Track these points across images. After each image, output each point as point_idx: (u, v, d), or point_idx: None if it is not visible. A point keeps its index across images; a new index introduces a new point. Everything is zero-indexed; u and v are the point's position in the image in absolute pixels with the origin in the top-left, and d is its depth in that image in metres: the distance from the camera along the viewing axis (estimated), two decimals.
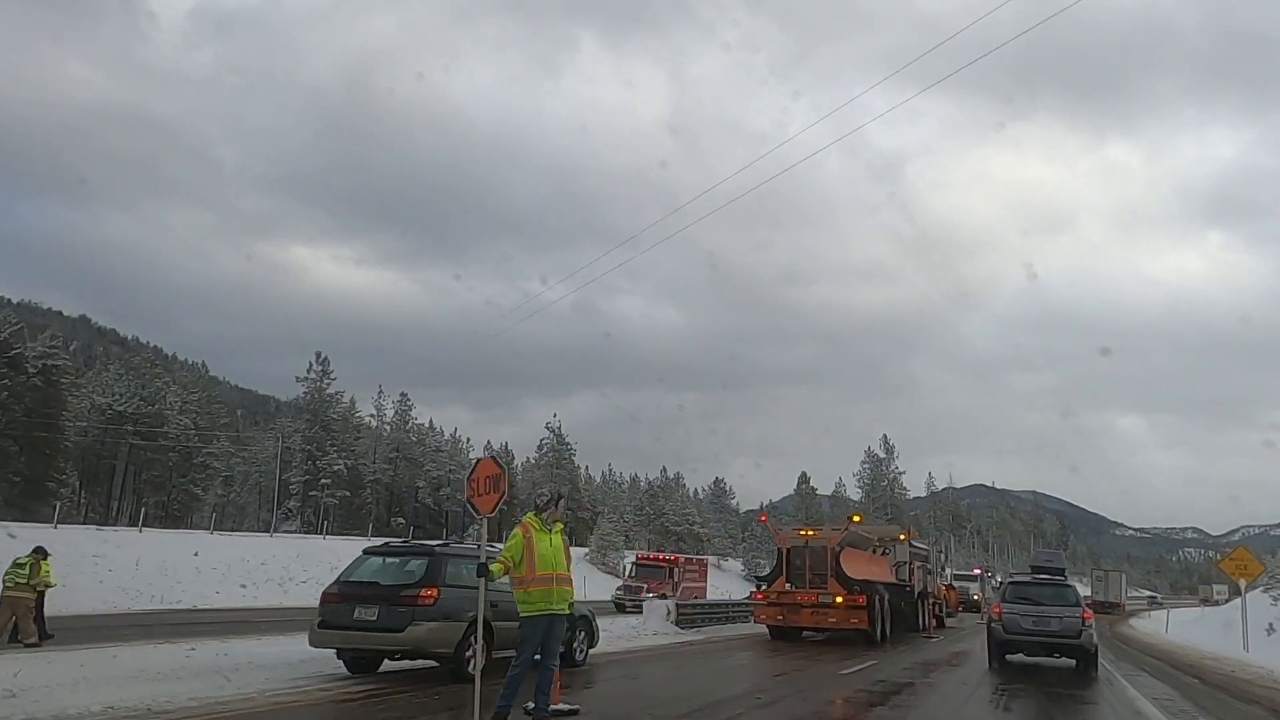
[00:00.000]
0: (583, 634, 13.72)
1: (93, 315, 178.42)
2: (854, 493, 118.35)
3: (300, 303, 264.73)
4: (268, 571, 40.05)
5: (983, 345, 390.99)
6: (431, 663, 11.38)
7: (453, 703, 9.51)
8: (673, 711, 9.92)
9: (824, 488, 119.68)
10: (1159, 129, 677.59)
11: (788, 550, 22.60)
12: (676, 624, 23.46)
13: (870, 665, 16.16)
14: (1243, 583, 27.18)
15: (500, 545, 8.58)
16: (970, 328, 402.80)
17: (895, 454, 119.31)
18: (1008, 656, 16.86)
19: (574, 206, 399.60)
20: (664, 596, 33.46)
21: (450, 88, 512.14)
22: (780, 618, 22.11)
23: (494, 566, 7.76)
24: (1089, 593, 65.57)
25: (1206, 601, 69.75)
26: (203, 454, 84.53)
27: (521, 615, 7.83)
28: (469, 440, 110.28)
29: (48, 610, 17.35)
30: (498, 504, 8.12)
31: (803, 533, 23.34)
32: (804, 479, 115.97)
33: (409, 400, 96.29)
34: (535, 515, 8.01)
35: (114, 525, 59.21)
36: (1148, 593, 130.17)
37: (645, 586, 39.31)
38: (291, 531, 69.80)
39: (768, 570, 26.16)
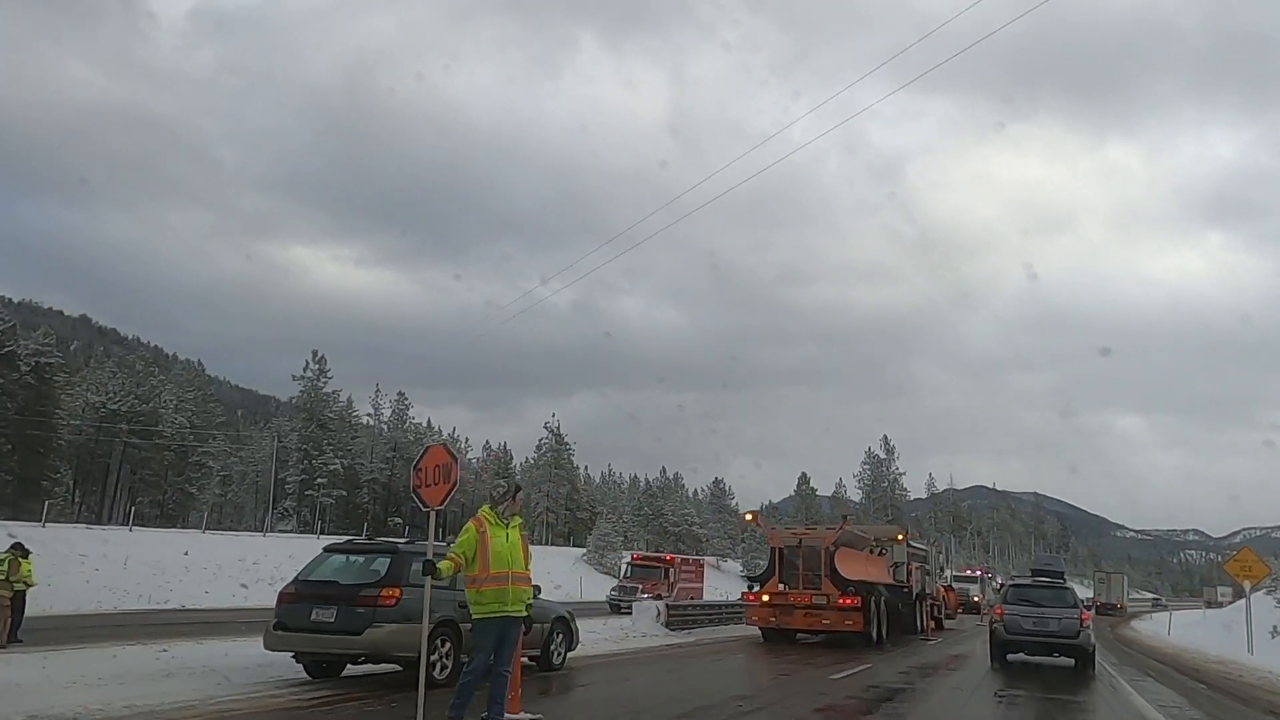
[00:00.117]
0: (561, 636, 13.11)
1: (93, 315, 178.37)
2: (854, 494, 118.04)
3: (300, 303, 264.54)
4: (260, 571, 39.45)
5: (983, 345, 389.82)
6: (396, 667, 10.76)
7: (409, 711, 8.85)
8: None
9: (824, 489, 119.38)
10: (1159, 129, 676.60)
11: (781, 550, 21.98)
12: (667, 626, 22.83)
13: (864, 669, 15.53)
14: (1247, 585, 26.64)
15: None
16: (970, 328, 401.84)
17: (896, 455, 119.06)
18: (1009, 656, 17.28)
19: (574, 206, 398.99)
20: (659, 597, 32.84)
21: (450, 88, 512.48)
22: (773, 619, 21.49)
23: (443, 564, 7.10)
24: (1091, 594, 65.11)
25: (1211, 604, 69.02)
26: (198, 453, 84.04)
27: (474, 617, 7.20)
28: (467, 440, 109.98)
29: (30, 610, 16.87)
30: (447, 496, 7.51)
31: (796, 532, 22.73)
32: (804, 480, 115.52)
33: (406, 399, 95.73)
34: (490, 509, 7.37)
35: (108, 524, 58.76)
36: (1150, 595, 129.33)
37: (640, 587, 38.71)
38: (287, 531, 69.30)
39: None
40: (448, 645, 10.34)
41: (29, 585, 16.57)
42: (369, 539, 13.06)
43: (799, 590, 21.17)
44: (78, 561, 35.41)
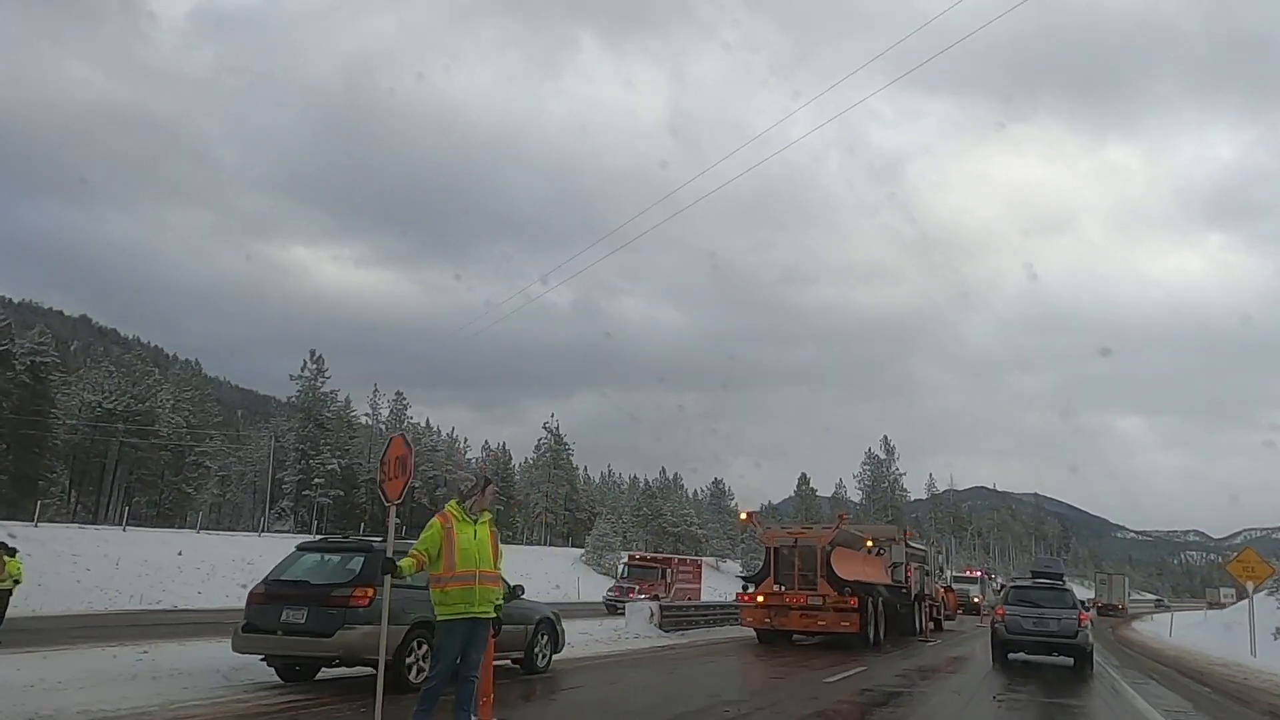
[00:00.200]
0: (545, 637, 12.71)
1: (93, 315, 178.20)
2: (854, 494, 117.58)
3: (300, 303, 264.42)
4: (255, 571, 38.83)
5: (983, 346, 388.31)
6: (371, 670, 10.35)
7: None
8: None
9: (824, 489, 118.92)
10: (1159, 129, 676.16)
11: (775, 550, 21.60)
12: (660, 627, 22.41)
13: (859, 672, 15.11)
14: (1250, 585, 26.25)
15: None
16: (970, 328, 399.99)
17: (896, 455, 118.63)
18: (1009, 655, 17.80)
19: (574, 206, 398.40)
20: (656, 598, 32.44)
21: (450, 88, 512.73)
22: (768, 620, 21.07)
23: (404, 562, 6.67)
24: (1092, 595, 64.77)
25: (1214, 605, 68.68)
26: (195, 453, 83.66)
27: (438, 619, 6.79)
28: (466, 440, 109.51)
29: (16, 610, 16.58)
30: (404, 489, 7.10)
31: (791, 531, 22.34)
32: (804, 480, 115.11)
33: (404, 399, 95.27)
34: (458, 504, 6.95)
35: (105, 524, 58.36)
36: (1151, 596, 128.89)
37: (637, 587, 38.30)
38: (283, 531, 68.84)
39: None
40: (424, 648, 9.91)
41: (16, 583, 16.34)
42: (344, 537, 12.65)
43: (794, 591, 20.78)
44: (69, 561, 35.10)
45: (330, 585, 9.97)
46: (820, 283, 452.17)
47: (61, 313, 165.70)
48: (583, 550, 75.10)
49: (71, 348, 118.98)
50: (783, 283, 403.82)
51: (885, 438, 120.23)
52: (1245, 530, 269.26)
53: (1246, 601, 27.41)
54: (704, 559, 71.38)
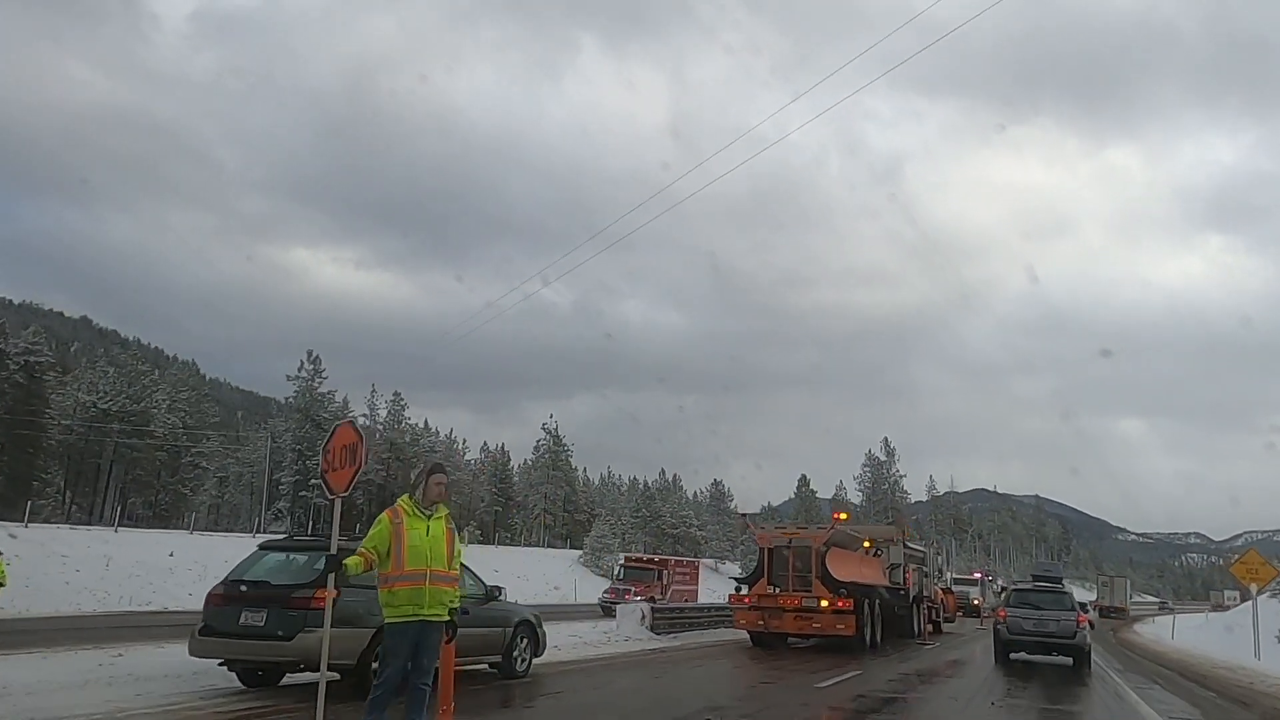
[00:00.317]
0: (525, 641, 12.21)
1: (94, 317, 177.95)
2: (855, 496, 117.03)
3: (301, 305, 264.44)
4: None
5: (983, 348, 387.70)
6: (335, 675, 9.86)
7: None
8: None
9: (824, 491, 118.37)
10: (1159, 133, 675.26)
11: (770, 550, 21.10)
12: (652, 629, 21.85)
13: (853, 676, 14.61)
14: (1254, 587, 25.85)
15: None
16: (971, 331, 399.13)
17: (896, 457, 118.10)
18: (1011, 655, 18.51)
19: (574, 209, 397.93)
20: (653, 600, 31.92)
21: (451, 90, 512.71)
22: (761, 623, 20.56)
23: (350, 560, 6.16)
24: (1094, 597, 64.38)
25: (1218, 607, 68.19)
26: (191, 453, 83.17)
27: (386, 621, 6.29)
28: (465, 441, 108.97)
29: (6, 612, 16.19)
30: (352, 480, 6.59)
31: (786, 531, 21.83)
32: (804, 482, 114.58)
33: (402, 400, 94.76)
34: (409, 498, 6.47)
35: (100, 524, 57.89)
36: (1152, 598, 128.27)
37: (633, 589, 37.76)
38: (279, 532, 68.37)
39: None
40: None
41: (1, 585, 16.00)
42: (312, 535, 12.15)
43: (789, 592, 20.28)
44: (59, 562, 34.66)
45: (291, 586, 9.45)
46: (820, 285, 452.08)
47: (62, 314, 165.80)
48: (581, 552, 74.60)
49: (72, 349, 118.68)
50: (783, 285, 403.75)
51: (885, 439, 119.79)
52: (1246, 532, 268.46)
53: (1250, 604, 26.98)
54: (703, 561, 70.85)
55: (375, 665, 9.12)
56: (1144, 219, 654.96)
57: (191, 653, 9.65)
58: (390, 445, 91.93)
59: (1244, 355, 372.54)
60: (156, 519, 73.97)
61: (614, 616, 27.64)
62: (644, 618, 22.14)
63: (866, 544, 24.30)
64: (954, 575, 51.33)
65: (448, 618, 6.36)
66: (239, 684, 10.05)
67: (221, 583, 10.09)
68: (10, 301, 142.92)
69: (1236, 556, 29.18)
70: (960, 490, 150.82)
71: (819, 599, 19.70)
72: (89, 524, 57.67)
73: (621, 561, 47.92)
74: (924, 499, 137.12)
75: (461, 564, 11.93)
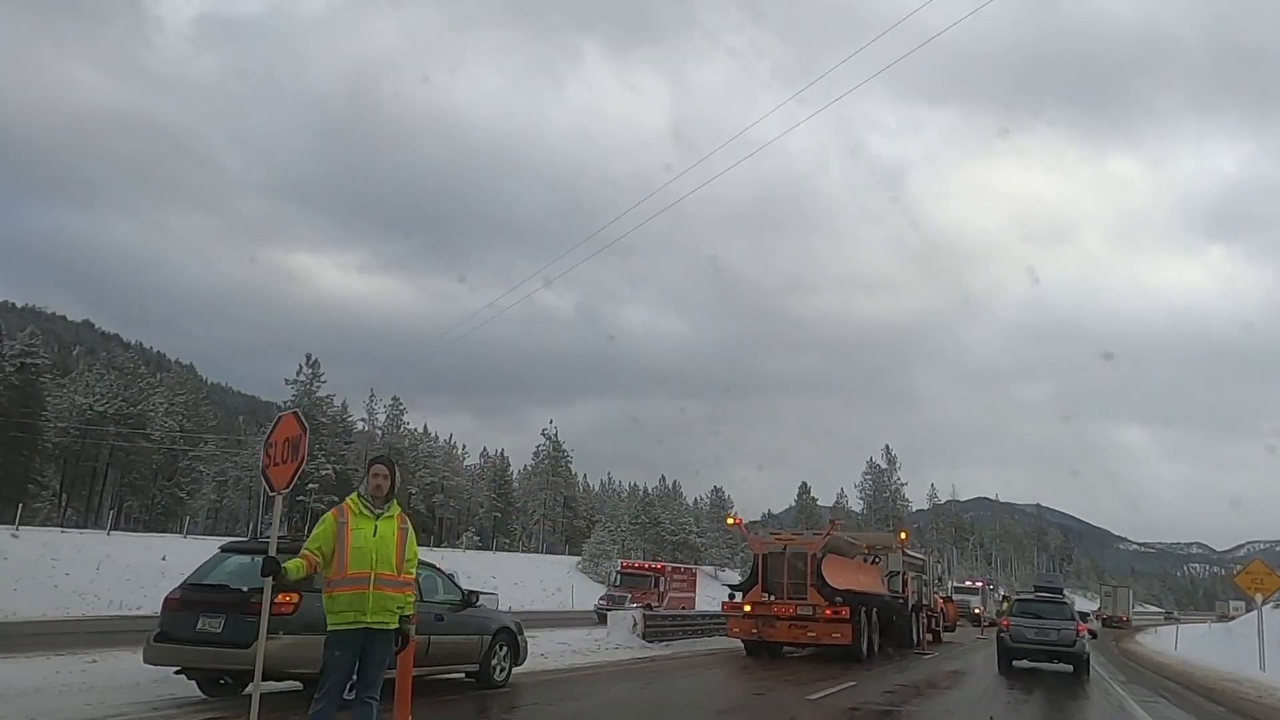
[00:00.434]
0: (505, 649, 11.72)
1: (96, 320, 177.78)
2: (856, 504, 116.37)
3: (304, 308, 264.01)
4: None
5: (985, 356, 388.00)
6: (297, 685, 9.39)
7: None
8: None
9: (825, 499, 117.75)
10: (1160, 141, 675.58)
11: (764, 556, 20.56)
12: (644, 637, 21.32)
13: (848, 688, 14.07)
14: (1258, 597, 25.44)
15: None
16: (973, 338, 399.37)
17: (897, 465, 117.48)
18: (1014, 662, 19.12)
19: (576, 214, 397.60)
20: (649, 607, 31.37)
21: (453, 95, 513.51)
22: (755, 631, 20.02)
23: (291, 563, 5.70)
24: (1097, 607, 63.92)
25: (1224, 617, 67.55)
26: (189, 457, 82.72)
27: (328, 628, 5.81)
28: (465, 446, 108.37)
29: None
30: (294, 476, 6.13)
31: (780, 537, 21.30)
32: (805, 489, 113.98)
33: (401, 404, 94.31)
34: (357, 495, 5.99)
35: (93, 528, 57.41)
36: (1154, 609, 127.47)
37: (629, 596, 37.24)
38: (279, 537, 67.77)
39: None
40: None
41: None
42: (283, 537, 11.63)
43: (783, 600, 19.73)
44: (48, 566, 34.26)
45: (252, 591, 8.95)
46: (822, 291, 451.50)
47: (65, 317, 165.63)
48: (579, 558, 74.10)
49: (74, 352, 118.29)
50: (785, 291, 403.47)
51: (887, 447, 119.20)
52: (1249, 543, 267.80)
53: (1254, 614, 26.53)
54: (702, 568, 70.27)
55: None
56: (1145, 226, 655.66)
57: (146, 660, 9.16)
58: (389, 450, 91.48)
59: (1245, 363, 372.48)
60: (153, 523, 73.49)
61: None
62: (635, 625, 21.62)
63: (864, 550, 23.84)
64: (955, 584, 50.76)
65: (396, 626, 5.87)
66: (200, 693, 9.58)
67: (179, 586, 9.60)
68: (13, 305, 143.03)
69: (1240, 567, 28.80)
70: (962, 499, 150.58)
71: (814, 607, 19.19)
72: (84, 528, 57.15)
73: (618, 568, 47.41)
74: (925, 507, 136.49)
75: (434, 567, 11.52)
